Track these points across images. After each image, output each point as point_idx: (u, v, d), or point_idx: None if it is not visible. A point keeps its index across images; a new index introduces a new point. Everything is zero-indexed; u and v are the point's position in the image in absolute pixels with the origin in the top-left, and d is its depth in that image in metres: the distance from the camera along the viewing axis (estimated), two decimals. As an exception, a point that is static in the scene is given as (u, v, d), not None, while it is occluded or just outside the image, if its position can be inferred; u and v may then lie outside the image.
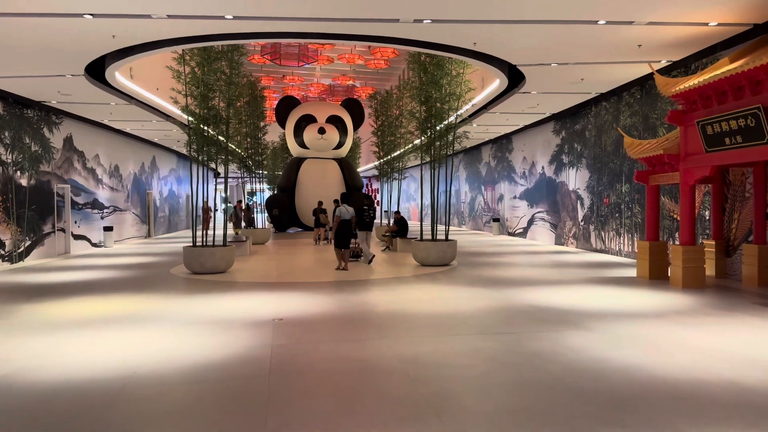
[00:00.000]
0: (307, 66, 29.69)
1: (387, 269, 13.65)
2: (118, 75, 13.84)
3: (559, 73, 13.37)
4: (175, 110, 17.04)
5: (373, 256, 14.50)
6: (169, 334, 6.96)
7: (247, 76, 21.50)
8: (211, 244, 13.24)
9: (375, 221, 18.90)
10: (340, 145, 28.01)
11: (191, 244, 13.20)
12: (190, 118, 13.44)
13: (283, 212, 26.94)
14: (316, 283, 11.18)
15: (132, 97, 16.09)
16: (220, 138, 13.89)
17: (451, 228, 31.98)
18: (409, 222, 26.75)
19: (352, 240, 14.59)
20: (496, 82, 14.80)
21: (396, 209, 20.01)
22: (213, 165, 14.32)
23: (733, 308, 8.28)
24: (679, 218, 13.09)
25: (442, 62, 13.64)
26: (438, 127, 14.22)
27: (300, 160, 27.85)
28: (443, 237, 14.38)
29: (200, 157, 13.43)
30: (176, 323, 7.54)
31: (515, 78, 14.39)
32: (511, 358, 5.74)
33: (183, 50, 12.74)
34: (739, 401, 4.45)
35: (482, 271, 12.91)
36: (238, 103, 19.45)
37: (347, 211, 13.37)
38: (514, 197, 24.88)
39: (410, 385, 4.94)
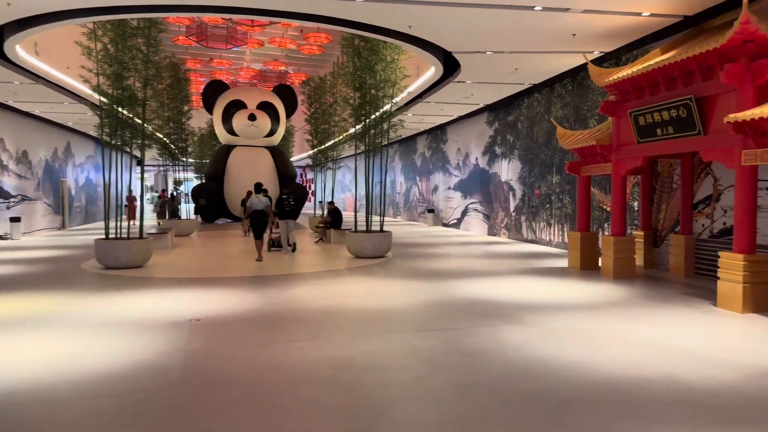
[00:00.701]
0: (236, 49, 28.41)
1: (320, 262, 13.09)
2: (19, 50, 12.47)
3: (494, 62, 13.20)
4: (89, 91, 15.67)
5: (294, 244, 14.43)
6: (70, 338, 6.14)
7: (169, 57, 20.17)
8: (126, 236, 12.20)
9: (304, 211, 18.20)
10: (271, 133, 27.02)
11: (104, 236, 12.12)
12: (103, 99, 12.30)
13: (211, 202, 25.72)
14: (241, 278, 10.48)
15: (38, 76, 14.63)
16: (137, 121, 12.81)
17: (386, 219, 31.73)
18: (344, 213, 26.22)
19: (274, 230, 14.63)
20: (432, 70, 14.48)
21: (330, 200, 19.43)
22: (129, 150, 13.20)
23: (664, 299, 8.32)
24: (608, 209, 13.28)
25: (376, 47, 13.16)
26: (373, 116, 13.74)
27: (229, 148, 26.66)
28: (378, 228, 13.96)
29: (114, 141, 12.33)
30: (79, 325, 6.70)
31: (451, 67, 14.12)
32: (449, 358, 5.37)
33: (94, 24, 11.59)
34: (683, 399, 4.26)
35: (418, 262, 12.60)
36: (160, 85, 18.22)
37: (260, 201, 13.08)
38: (449, 188, 24.85)
39: (340, 394, 4.46)
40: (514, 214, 18.58)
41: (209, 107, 27.49)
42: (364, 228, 13.98)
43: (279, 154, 27.27)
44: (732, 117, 7.14)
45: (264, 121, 26.38)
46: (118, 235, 12.12)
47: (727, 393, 4.38)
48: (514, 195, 18.57)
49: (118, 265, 11.48)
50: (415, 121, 23.27)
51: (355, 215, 15.06)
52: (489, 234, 20.55)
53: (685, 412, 4.02)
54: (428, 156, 27.74)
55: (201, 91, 28.82)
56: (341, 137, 21.28)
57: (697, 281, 9.92)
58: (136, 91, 12.50)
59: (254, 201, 13.16)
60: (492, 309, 7.60)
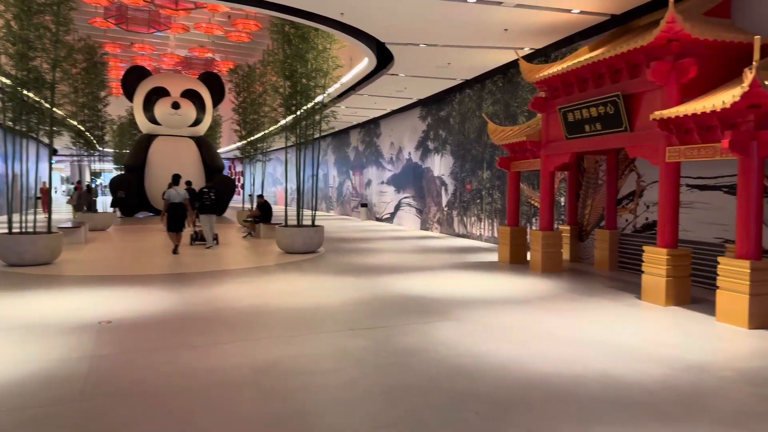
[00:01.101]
0: (159, 34, 26.91)
1: (247, 258, 12.55)
2: None
3: (428, 55, 13.09)
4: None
5: (216, 235, 14.23)
6: (-46, 347, 5.43)
7: (84, 39, 18.80)
8: (33, 230, 11.18)
9: (232, 205, 17.53)
10: (197, 123, 25.86)
11: (7, 231, 11.05)
12: (6, 81, 11.19)
13: (131, 194, 24.31)
14: (159, 276, 9.81)
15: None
16: (45, 105, 11.75)
17: (318, 213, 31.22)
18: (275, 207, 25.52)
19: (197, 223, 14.46)
20: (365, 61, 14.21)
21: (259, 193, 18.78)
22: (35, 136, 12.11)
23: (591, 292, 8.47)
24: (536, 204, 13.52)
25: (307, 35, 12.71)
26: (305, 107, 13.29)
27: (150, 138, 25.29)
28: (310, 223, 13.56)
29: (18, 127, 11.25)
30: (-33, 332, 5.96)
31: (384, 59, 13.90)
32: (381, 358, 5.13)
33: (-7, -2, 10.50)
34: (617, 397, 4.22)
35: (350, 258, 12.32)
36: (74, 69, 16.94)
37: (177, 193, 12.72)
38: (382, 182, 24.72)
39: (264, 402, 4.12)
40: (446, 208, 18.67)
41: (129, 94, 25.97)
42: (294, 222, 13.54)
43: (205, 145, 26.16)
44: (657, 114, 7.30)
45: (188, 110, 25.22)
46: (23, 230, 11.08)
47: (658, 388, 4.39)
48: (446, 190, 18.64)
49: (23, 262, 10.48)
50: (349, 113, 22.94)
51: (286, 209, 14.57)
52: (422, 228, 20.57)
53: (619, 411, 3.97)
54: (361, 150, 27.49)
55: (121, 77, 27.17)
56: (271, 128, 20.62)
57: (621, 275, 10.22)
58: (44, 72, 11.45)
59: (171, 193, 12.74)
60: (425, 305, 7.44)
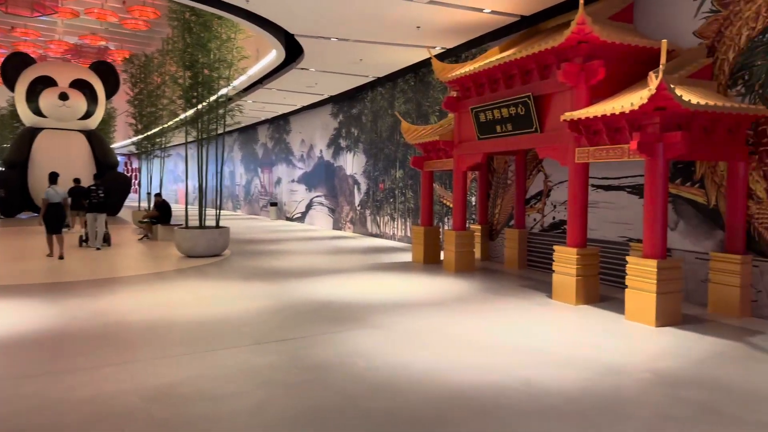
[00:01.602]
0: (44, 18, 24.52)
1: (143, 263, 11.54)
2: None
3: (339, 50, 12.68)
4: None
5: (106, 235, 13.56)
6: None
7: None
8: None
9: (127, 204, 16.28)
10: (87, 115, 23.82)
11: None
12: None
13: (12, 193, 21.95)
14: (38, 286, 8.71)
15: None
16: None
17: (224, 213, 29.85)
18: (177, 206, 24.07)
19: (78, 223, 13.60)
20: (273, 53, 13.55)
21: (157, 192, 17.51)
22: None
23: (504, 292, 8.46)
24: (449, 204, 13.53)
25: (210, 22, 11.89)
26: (208, 100, 12.43)
27: (34, 131, 22.97)
28: (214, 223, 12.73)
29: None
30: None
31: (294, 52, 13.33)
32: (293, 375, 4.68)
33: None
34: (543, 407, 4.05)
35: (258, 261, 11.67)
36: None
37: (56, 193, 11.79)
38: (293, 181, 24.02)
39: (155, 439, 3.55)
40: (359, 208, 18.37)
41: (10, 84, 23.45)
42: (196, 223, 12.65)
43: (97, 140, 24.16)
44: (568, 115, 7.36)
45: (78, 102, 23.17)
46: None
47: (581, 395, 4.28)
48: (359, 189, 18.35)
49: None
50: (256, 108, 22.04)
51: (186, 209, 13.63)
52: (334, 228, 20.15)
53: (544, 422, 3.79)
54: (271, 146, 26.60)
55: (0, 64, 24.48)
56: (171, 122, 19.34)
57: (530, 273, 10.37)
58: None
59: (50, 193, 11.73)
60: (339, 311, 7.05)
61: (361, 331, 6.09)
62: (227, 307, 7.28)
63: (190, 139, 13.09)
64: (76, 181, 15.41)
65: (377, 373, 4.75)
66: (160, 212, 15.87)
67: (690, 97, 6.32)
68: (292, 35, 11.75)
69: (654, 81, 6.24)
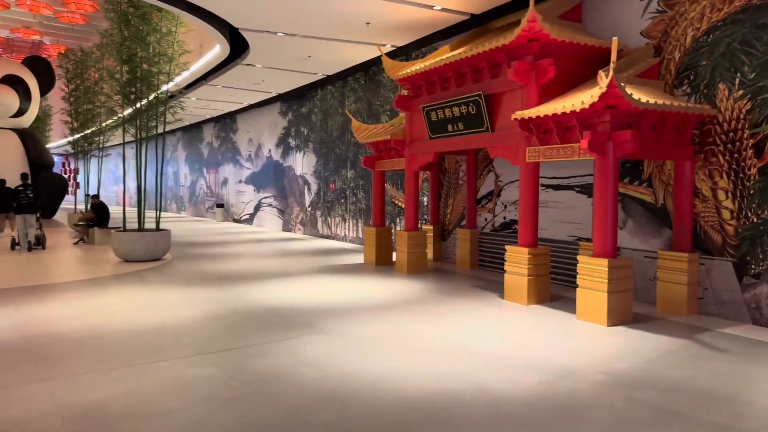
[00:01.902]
0: (-31, 8, 22.94)
1: (77, 268, 10.83)
2: None
3: (286, 45, 12.30)
4: None
5: (38, 238, 13.07)
6: None
7: None
8: None
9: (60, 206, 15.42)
10: (20, 113, 22.46)
11: None
12: None
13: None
14: (-41, 296, 7.99)
15: None
16: None
17: (168, 215, 28.83)
18: (119, 209, 22.96)
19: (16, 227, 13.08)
20: (217, 48, 13.03)
21: (95, 193, 16.61)
22: None
23: (457, 293, 8.33)
24: (400, 204, 13.36)
25: (149, 14, 11.30)
26: (148, 97, 11.80)
27: (-41, 129, 21.47)
28: (154, 226, 12.11)
29: None
30: None
31: (239, 47, 12.87)
32: (234, 389, 4.34)
33: None
34: (499, 415, 3.88)
35: (203, 265, 11.15)
36: None
37: None
38: (240, 181, 23.35)
39: (74, 468, 3.16)
40: (309, 209, 17.99)
41: (-69, 77, 21.87)
42: (135, 226, 12.00)
43: (31, 139, 22.80)
44: (519, 114, 7.28)
45: (10, 98, 21.82)
46: None
47: (537, 400, 4.13)
48: (309, 189, 17.97)
49: None
50: (201, 106, 21.31)
51: (124, 211, 12.94)
52: (284, 230, 19.69)
53: (502, 430, 3.61)
54: (217, 146, 25.81)
55: None
56: (110, 121, 18.41)
57: (482, 273, 10.31)
58: None
59: None
60: (288, 317, 6.72)
61: (310, 338, 5.80)
62: (165, 315, 6.83)
63: (128, 138, 12.40)
64: (2, 182, 14.45)
65: (327, 383, 4.47)
66: (97, 214, 15.04)
67: (639, 95, 6.34)
68: (237, 29, 11.30)
69: (604, 80, 6.21)
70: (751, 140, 6.45)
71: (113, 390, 4.31)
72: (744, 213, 6.53)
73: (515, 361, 5.04)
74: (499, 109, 8.09)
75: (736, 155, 6.60)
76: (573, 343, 5.71)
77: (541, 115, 6.93)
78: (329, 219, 16.74)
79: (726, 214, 6.73)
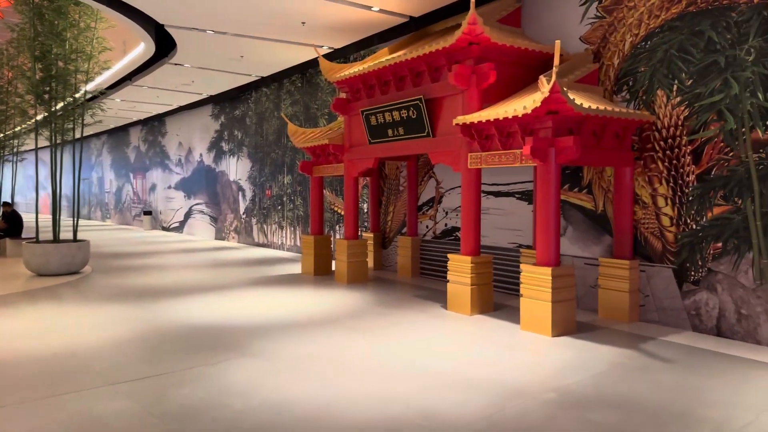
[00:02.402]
0: None
1: (-20, 285, 9.78)
2: None
3: (217, 44, 11.66)
4: None
5: None
6: None
7: None
8: None
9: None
10: None
11: None
12: None
13: None
14: None
15: None
16: None
17: (92, 223, 27.15)
18: (39, 216, 21.25)
19: None
20: (141, 46, 12.20)
21: (7, 201, 15.26)
22: None
23: (399, 304, 8.00)
24: (340, 211, 12.95)
25: (65, 8, 10.40)
26: (64, 98, 10.85)
27: None
28: (71, 236, 11.15)
29: None
30: None
31: (166, 45, 12.09)
32: (149, 426, 3.80)
33: None
34: (446, 446, 3.54)
35: (126, 278, 10.32)
36: None
37: None
38: (169, 187, 22.23)
39: None
40: (244, 216, 17.26)
41: None
42: (50, 236, 11.01)
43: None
44: (460, 119, 7.06)
45: None
46: None
47: (487, 426, 3.83)
48: (243, 196, 17.24)
49: None
50: (126, 108, 20.13)
51: (36, 220, 11.88)
52: (217, 238, 18.83)
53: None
54: (144, 150, 24.51)
55: None
56: (26, 125, 17.02)
57: (424, 281, 10.05)
58: None
59: None
60: (216, 337, 6.17)
61: (240, 361, 5.29)
62: (79, 338, 6.13)
63: (43, 141, 11.36)
64: None
65: (255, 415, 4.01)
66: (9, 224, 13.79)
67: (581, 101, 6.23)
68: (162, 26, 10.57)
69: (546, 84, 6.07)
70: (689, 147, 6.48)
71: (5, 430, 3.68)
72: (683, 219, 6.54)
73: (463, 380, 4.74)
74: (440, 114, 7.85)
75: (674, 162, 6.62)
76: (520, 357, 5.49)
77: (483, 120, 6.72)
78: (265, 227, 16.09)
79: (666, 221, 6.74)
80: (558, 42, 5.74)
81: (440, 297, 8.41)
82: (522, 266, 6.55)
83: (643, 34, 6.91)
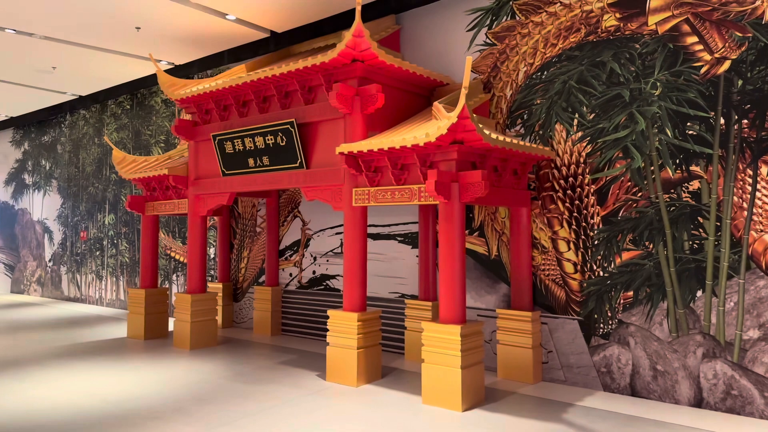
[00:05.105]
0: None
1: None
2: None
3: (20, 48, 9.20)
4: None
5: None
6: None
7: None
8: None
9: None
10: None
11: None
12: None
13: None
14: None
15: None
16: None
17: None
18: None
19: None
20: None
21: None
22: None
23: (263, 378, 6.37)
24: (178, 257, 10.88)
25: None
26: None
27: None
28: None
29: None
30: None
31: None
32: None
33: None
34: None
35: None
36: None
37: None
38: (-51, 228, 17.79)
39: None
40: (50, 264, 14.08)
41: None
42: None
43: None
44: (345, 147, 5.84)
45: None
46: None
47: None
48: (51, 239, 14.12)
49: None
50: None
51: None
52: (14, 291, 15.23)
53: None
54: None
55: None
56: None
57: (287, 341, 8.49)
58: None
59: None
60: (-9, 459, 4.06)
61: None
62: None
63: None
64: None
65: None
66: None
67: (488, 131, 5.40)
68: (-64, 15, 7.98)
69: (443, 113, 5.16)
70: (593, 186, 5.97)
71: None
72: (588, 266, 5.96)
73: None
74: (317, 142, 6.58)
75: (577, 202, 6.07)
76: (439, 448, 4.27)
77: (375, 150, 5.58)
78: (78, 277, 13.20)
79: (569, 267, 6.11)
80: (469, 58, 4.83)
81: (313, 362, 6.96)
82: (424, 324, 5.41)
83: (538, 63, 6.38)
